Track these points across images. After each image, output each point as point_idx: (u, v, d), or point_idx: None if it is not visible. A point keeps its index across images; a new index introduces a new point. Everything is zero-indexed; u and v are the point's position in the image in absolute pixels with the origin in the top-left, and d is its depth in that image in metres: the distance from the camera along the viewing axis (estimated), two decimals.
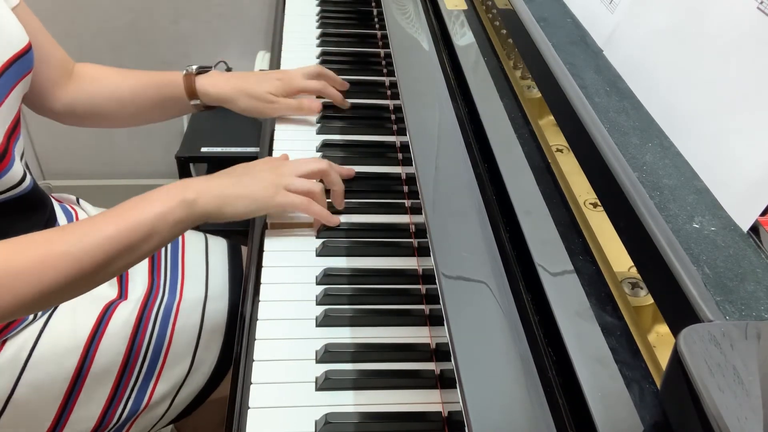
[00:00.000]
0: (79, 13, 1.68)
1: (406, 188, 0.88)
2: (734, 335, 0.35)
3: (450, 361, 0.48)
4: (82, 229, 0.64)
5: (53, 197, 0.92)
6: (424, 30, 0.90)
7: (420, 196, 0.62)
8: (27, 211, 0.79)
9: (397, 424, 0.61)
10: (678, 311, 0.41)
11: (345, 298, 0.72)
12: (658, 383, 0.43)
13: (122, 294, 0.88)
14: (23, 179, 0.75)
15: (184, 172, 1.56)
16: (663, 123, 0.56)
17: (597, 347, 0.45)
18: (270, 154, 0.93)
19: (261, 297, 0.72)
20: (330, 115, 1.00)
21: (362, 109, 1.03)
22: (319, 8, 1.33)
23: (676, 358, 0.34)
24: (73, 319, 0.81)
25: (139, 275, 0.91)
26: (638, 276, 0.50)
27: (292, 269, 0.76)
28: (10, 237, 0.63)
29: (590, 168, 0.55)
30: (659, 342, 0.46)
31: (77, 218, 0.93)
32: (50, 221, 0.84)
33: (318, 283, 0.74)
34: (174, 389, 0.85)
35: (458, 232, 0.58)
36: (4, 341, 0.77)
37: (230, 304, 0.92)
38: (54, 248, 0.61)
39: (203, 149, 1.54)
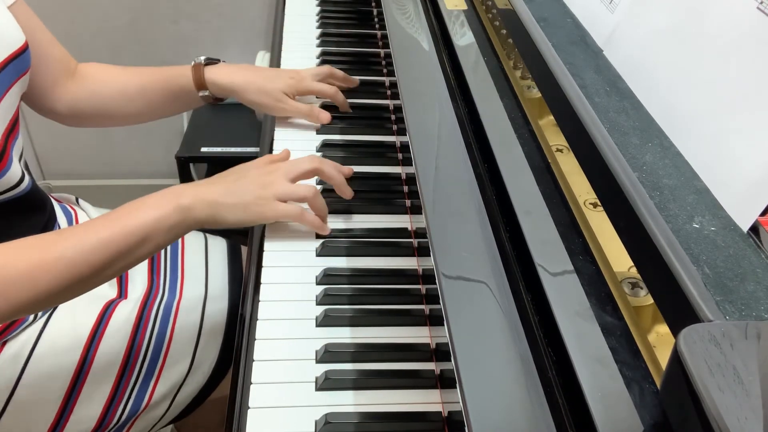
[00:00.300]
0: (79, 13, 1.68)
1: (406, 188, 0.88)
2: (734, 335, 0.35)
3: (450, 361, 0.48)
4: (77, 234, 0.64)
5: (53, 197, 0.92)
6: (424, 30, 0.90)
7: (420, 196, 0.62)
8: (26, 212, 0.79)
9: (397, 424, 0.61)
10: (678, 311, 0.41)
11: (345, 298, 0.72)
12: (658, 383, 0.43)
13: (122, 294, 0.88)
14: (21, 180, 0.75)
15: (184, 172, 1.56)
16: (663, 123, 0.56)
17: (597, 347, 0.45)
18: (270, 153, 0.93)
19: (261, 297, 0.72)
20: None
21: (362, 109, 1.03)
22: (319, 8, 1.33)
23: (676, 358, 0.34)
24: (73, 319, 0.81)
25: (138, 275, 0.91)
26: (638, 276, 0.50)
27: (292, 269, 0.76)
28: (9, 239, 0.63)
29: (590, 168, 0.55)
30: (659, 342, 0.46)
31: (77, 218, 0.93)
32: (50, 222, 0.84)
33: (318, 283, 0.74)
34: (174, 389, 0.85)
35: (458, 232, 0.58)
36: (5, 342, 0.77)
37: (230, 304, 0.92)
38: (49, 254, 0.61)
39: (203, 149, 1.54)
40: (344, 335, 0.69)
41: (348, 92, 1.06)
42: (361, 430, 0.60)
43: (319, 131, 0.98)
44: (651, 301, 0.49)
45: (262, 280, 0.74)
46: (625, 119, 0.56)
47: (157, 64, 0.96)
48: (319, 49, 1.18)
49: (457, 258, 0.55)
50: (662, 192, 0.49)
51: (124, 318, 0.84)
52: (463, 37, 0.84)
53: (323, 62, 1.14)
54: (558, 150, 0.65)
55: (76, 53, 0.94)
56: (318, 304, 0.72)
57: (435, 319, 0.70)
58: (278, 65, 1.13)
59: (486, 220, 0.59)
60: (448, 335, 0.49)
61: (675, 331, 0.41)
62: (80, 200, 0.98)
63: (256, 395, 0.62)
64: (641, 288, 0.50)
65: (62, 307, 0.82)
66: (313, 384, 0.64)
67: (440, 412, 0.62)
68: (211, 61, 0.94)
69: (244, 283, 0.77)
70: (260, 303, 0.71)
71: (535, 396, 0.46)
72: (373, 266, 0.76)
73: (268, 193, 0.74)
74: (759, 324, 0.37)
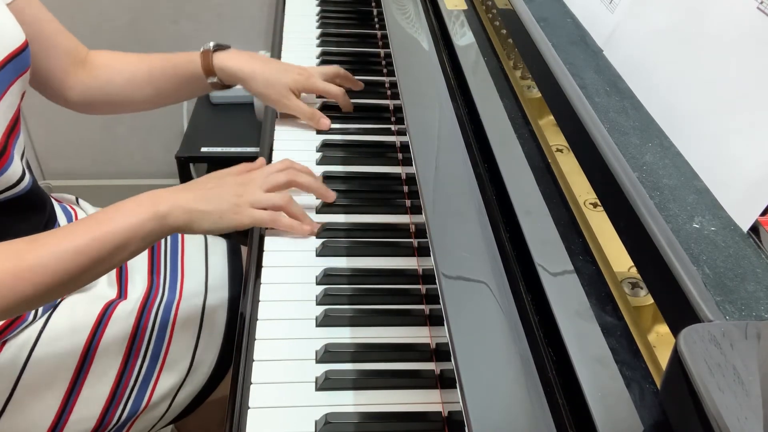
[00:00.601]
0: (78, 13, 1.68)
1: (406, 188, 0.88)
2: (734, 335, 0.35)
3: (450, 361, 0.48)
4: (54, 241, 0.64)
5: (53, 197, 0.92)
6: (424, 30, 0.90)
7: (420, 196, 0.62)
8: (26, 212, 0.79)
9: (397, 424, 0.61)
10: (678, 311, 0.41)
11: (345, 298, 0.72)
12: (658, 383, 0.43)
13: (122, 294, 0.88)
14: (22, 178, 0.75)
15: (184, 172, 1.56)
16: (663, 123, 0.56)
17: (597, 347, 0.45)
18: (270, 153, 0.93)
19: (261, 297, 0.72)
20: (330, 115, 1.00)
21: (362, 110, 1.03)
22: (319, 8, 1.33)
23: (676, 358, 0.34)
24: (73, 319, 0.81)
25: (138, 275, 0.91)
26: (638, 276, 0.50)
27: (292, 269, 0.76)
28: (9, 238, 0.63)
29: (590, 168, 0.55)
30: (659, 342, 0.46)
31: (77, 218, 0.93)
32: (50, 222, 0.84)
33: (318, 283, 0.74)
34: (174, 389, 0.85)
35: (458, 232, 0.58)
36: (4, 342, 0.77)
37: (230, 304, 0.92)
38: (25, 261, 0.61)
39: (203, 149, 1.54)
40: (344, 335, 0.69)
41: (348, 92, 1.06)
42: (361, 430, 0.60)
43: (319, 131, 0.98)
44: (651, 301, 0.49)
45: (262, 280, 0.74)
46: (625, 119, 0.56)
47: None
48: (319, 49, 1.18)
49: (457, 258, 0.55)
50: (662, 192, 0.49)
51: (123, 318, 0.84)
52: (463, 37, 0.84)
53: (323, 62, 1.14)
54: (558, 150, 0.65)
55: None
56: (318, 304, 0.72)
57: (435, 319, 0.70)
58: None
59: (486, 220, 0.59)
60: (448, 335, 0.49)
61: (675, 331, 0.41)
62: (80, 200, 0.98)
63: (256, 395, 0.62)
64: (641, 288, 0.50)
65: (62, 307, 0.82)
66: (313, 384, 0.64)
67: (440, 412, 0.62)
68: (220, 47, 0.94)
69: (244, 283, 0.77)
70: (260, 303, 0.71)
71: (535, 396, 0.46)
72: (373, 266, 0.76)
73: (243, 201, 0.75)
74: (759, 324, 0.37)
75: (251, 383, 0.63)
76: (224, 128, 1.60)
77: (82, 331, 0.81)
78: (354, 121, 1.01)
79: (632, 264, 0.49)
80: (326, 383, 0.63)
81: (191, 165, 1.57)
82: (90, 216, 0.68)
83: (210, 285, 0.93)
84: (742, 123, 0.48)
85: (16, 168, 0.74)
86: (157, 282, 0.91)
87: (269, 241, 0.79)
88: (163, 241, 0.97)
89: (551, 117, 0.67)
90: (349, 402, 0.63)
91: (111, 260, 0.67)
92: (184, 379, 0.86)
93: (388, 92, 1.08)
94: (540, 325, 0.50)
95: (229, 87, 0.97)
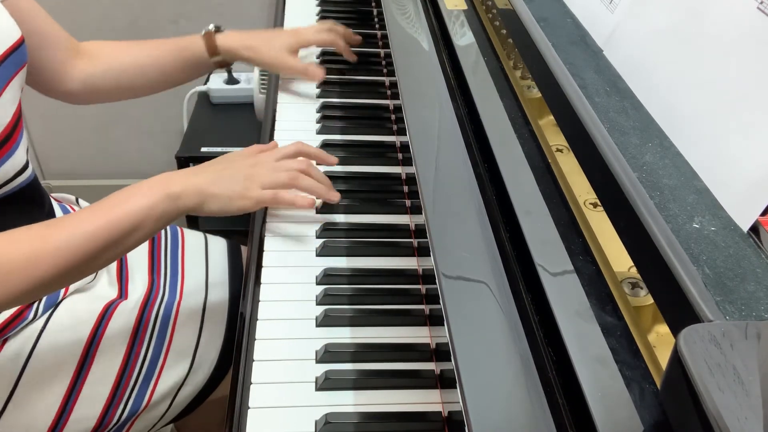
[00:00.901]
0: (78, 13, 1.68)
1: (406, 188, 0.88)
2: (734, 335, 0.35)
3: (450, 361, 0.48)
4: (71, 224, 0.65)
5: (53, 197, 0.92)
6: (424, 30, 0.90)
7: (420, 196, 0.62)
8: (28, 205, 0.79)
9: (397, 424, 0.61)
10: (678, 311, 0.41)
11: (345, 298, 0.72)
12: (658, 383, 0.43)
13: (122, 294, 0.88)
14: (25, 167, 0.76)
15: None
16: (663, 123, 0.56)
17: (597, 347, 0.45)
18: None
19: (261, 297, 0.72)
20: (330, 115, 1.01)
21: (362, 109, 1.03)
22: (319, 8, 1.33)
23: (676, 358, 0.34)
24: (74, 319, 0.81)
25: (139, 275, 0.91)
26: (638, 276, 0.50)
27: (292, 269, 0.76)
28: None
29: (590, 168, 0.55)
30: (659, 342, 0.46)
31: None
32: (49, 219, 0.84)
33: (318, 283, 0.74)
34: (174, 389, 0.85)
35: (458, 232, 0.58)
36: (5, 340, 0.77)
37: (230, 303, 0.92)
38: (44, 244, 0.63)
39: (203, 149, 1.54)
40: (344, 335, 0.69)
41: (348, 92, 1.06)
42: (361, 430, 0.60)
43: (319, 131, 0.98)
44: (651, 301, 0.49)
45: (262, 280, 0.74)
46: (625, 119, 0.56)
47: None
48: (319, 49, 1.18)
49: (457, 258, 0.55)
50: (662, 192, 0.49)
51: (124, 318, 0.84)
52: (463, 37, 0.84)
53: (323, 62, 1.14)
54: (558, 150, 0.65)
55: None
56: (318, 304, 0.72)
57: (435, 319, 0.70)
58: None
59: (486, 220, 0.59)
60: (448, 335, 0.49)
61: (675, 331, 0.41)
62: (80, 200, 0.98)
63: (256, 395, 0.62)
64: (641, 288, 0.50)
65: (63, 306, 0.82)
66: (313, 384, 0.64)
67: (440, 412, 0.62)
68: (218, 29, 1.00)
69: (244, 283, 0.77)
70: (260, 303, 0.71)
71: (535, 396, 0.46)
72: (373, 266, 0.76)
73: (252, 184, 0.76)
74: (759, 324, 0.37)
75: (251, 383, 0.63)
76: (224, 128, 1.60)
77: (83, 330, 0.81)
78: (354, 120, 1.01)
79: (632, 264, 0.49)
80: (326, 383, 0.63)
81: (191, 165, 1.57)
82: (104, 200, 0.69)
83: (210, 285, 0.93)
84: (742, 123, 0.48)
85: (20, 157, 0.74)
86: (158, 282, 0.91)
87: (269, 241, 0.79)
88: (163, 240, 0.97)
89: (551, 117, 0.67)
90: (349, 402, 0.63)
91: (127, 241, 0.68)
92: (185, 379, 0.86)
93: (388, 92, 1.08)
94: (540, 325, 0.50)
95: (229, 65, 1.03)
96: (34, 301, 0.79)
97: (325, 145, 0.94)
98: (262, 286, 0.73)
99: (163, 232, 0.99)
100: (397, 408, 0.62)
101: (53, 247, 0.63)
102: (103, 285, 0.87)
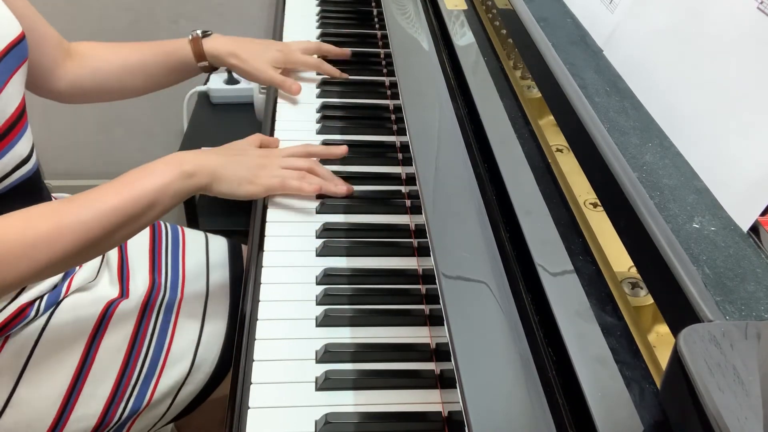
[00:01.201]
0: (78, 13, 1.68)
1: (406, 188, 0.88)
2: (734, 335, 0.35)
3: (450, 361, 0.48)
4: (89, 200, 0.67)
5: (53, 197, 0.92)
6: (424, 30, 0.90)
7: (420, 196, 0.62)
8: (33, 196, 0.79)
9: (397, 424, 0.61)
10: (678, 311, 0.41)
11: (345, 298, 0.72)
12: (658, 383, 0.43)
13: (123, 293, 0.88)
14: (30, 156, 0.77)
15: None
16: (663, 123, 0.56)
17: (597, 347, 0.45)
18: None
19: (261, 297, 0.72)
20: (330, 115, 1.01)
21: (362, 109, 1.03)
22: (319, 8, 1.33)
23: (676, 358, 0.34)
24: (75, 317, 0.81)
25: (140, 274, 0.91)
26: (638, 276, 0.50)
27: (292, 269, 0.76)
28: None
29: (590, 168, 0.55)
30: (659, 342, 0.46)
31: None
32: None
33: (318, 283, 0.74)
34: (175, 388, 0.86)
35: (458, 232, 0.58)
36: (7, 338, 0.77)
37: (231, 303, 0.92)
38: (65, 219, 0.65)
39: (203, 149, 1.54)
40: (344, 335, 0.69)
41: (348, 92, 1.06)
42: (361, 430, 0.60)
43: (319, 131, 0.98)
44: (651, 301, 0.49)
45: (262, 280, 0.74)
46: (625, 119, 0.56)
47: None
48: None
49: (457, 258, 0.55)
50: (662, 192, 0.49)
51: (125, 316, 0.84)
52: (463, 37, 0.84)
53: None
54: (558, 150, 0.65)
55: None
56: (318, 304, 0.72)
57: (435, 319, 0.70)
58: None
59: (486, 220, 0.59)
60: (448, 335, 0.49)
61: (675, 331, 0.41)
62: None
63: (256, 395, 0.62)
64: (641, 288, 0.50)
65: (65, 305, 0.82)
66: (313, 384, 0.64)
67: (440, 412, 0.62)
68: (205, 34, 1.01)
69: (244, 283, 0.77)
70: (260, 303, 0.71)
71: (535, 396, 0.46)
72: (373, 266, 0.76)
73: (262, 172, 0.80)
74: (759, 324, 0.37)
75: (251, 383, 0.63)
76: (224, 128, 1.60)
77: (84, 328, 0.81)
78: (354, 120, 1.01)
79: (632, 264, 0.49)
80: (326, 383, 0.63)
81: None
82: (119, 177, 0.71)
83: (211, 284, 0.93)
84: (742, 123, 0.48)
85: (20, 149, 0.75)
86: (159, 281, 0.91)
87: (269, 241, 0.79)
88: (164, 240, 0.98)
89: (551, 117, 0.67)
90: (349, 402, 0.63)
91: (144, 218, 0.70)
92: (186, 378, 0.86)
93: (388, 92, 1.08)
94: (540, 325, 0.50)
95: (215, 69, 1.04)
96: (36, 300, 0.79)
97: (325, 145, 0.94)
98: (262, 286, 0.73)
99: (164, 231, 0.99)
100: (397, 408, 0.62)
101: (70, 221, 0.64)
102: (104, 284, 0.87)
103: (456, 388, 0.46)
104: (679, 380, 0.34)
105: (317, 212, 0.83)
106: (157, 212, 0.71)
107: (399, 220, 0.83)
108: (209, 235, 1.03)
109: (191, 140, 1.57)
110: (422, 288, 0.74)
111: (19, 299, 0.77)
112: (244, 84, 1.62)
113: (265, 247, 0.78)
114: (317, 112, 1.01)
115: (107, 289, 0.87)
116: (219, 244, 1.01)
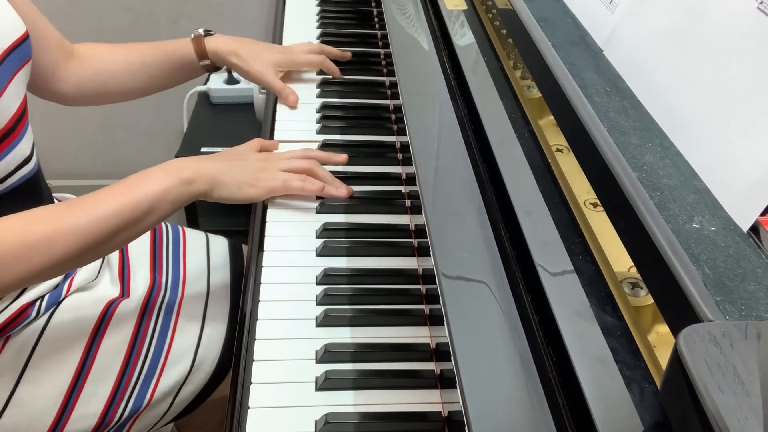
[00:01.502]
0: (78, 13, 1.68)
1: (406, 188, 0.88)
2: (734, 335, 0.35)
3: (450, 361, 0.48)
4: (90, 204, 0.67)
5: (54, 197, 0.92)
6: (424, 30, 0.90)
7: (420, 196, 0.62)
8: (34, 196, 0.79)
9: (397, 424, 0.61)
10: (678, 311, 0.41)
11: (345, 298, 0.72)
12: (658, 383, 0.43)
13: (124, 293, 0.88)
14: (28, 160, 0.76)
15: None
16: (663, 123, 0.56)
17: (597, 347, 0.45)
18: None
19: (261, 297, 0.72)
20: (330, 116, 1.01)
21: (362, 109, 1.03)
22: (319, 8, 1.33)
23: (676, 358, 0.34)
24: (76, 317, 0.81)
25: (140, 274, 0.91)
26: (638, 276, 0.50)
27: (292, 269, 0.76)
28: None
29: (590, 168, 0.55)
30: (659, 342, 0.46)
31: None
32: None
33: (318, 283, 0.74)
34: (175, 388, 0.86)
35: (458, 232, 0.58)
36: (7, 338, 0.77)
37: (231, 303, 0.92)
38: (64, 222, 0.65)
39: (203, 149, 1.54)
40: (344, 335, 0.69)
41: (348, 92, 1.06)
42: (361, 430, 0.60)
43: (319, 131, 0.98)
44: (651, 301, 0.49)
45: (262, 280, 0.74)
46: (625, 119, 0.56)
47: None
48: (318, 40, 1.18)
49: (457, 258, 0.55)
50: (662, 192, 0.49)
51: (126, 316, 0.84)
52: (463, 37, 0.84)
53: None
54: (558, 150, 0.65)
55: None
56: (318, 304, 0.72)
57: (435, 319, 0.70)
58: None
59: (486, 220, 0.59)
60: (448, 335, 0.49)
61: (675, 331, 0.41)
62: None
63: (256, 395, 0.62)
64: (641, 288, 0.50)
65: (65, 305, 0.82)
66: (313, 384, 0.64)
67: (440, 412, 0.62)
68: (208, 33, 1.01)
69: (244, 283, 0.77)
70: (260, 303, 0.71)
71: (535, 396, 0.46)
72: (373, 266, 0.76)
73: (263, 176, 0.80)
74: (759, 324, 0.37)
75: (251, 383, 0.63)
76: (224, 128, 1.60)
77: (84, 328, 0.81)
78: (354, 120, 1.01)
79: (632, 264, 0.49)
80: (326, 383, 0.63)
81: None
82: (119, 182, 0.71)
83: (212, 284, 0.93)
84: (742, 123, 0.48)
85: (22, 149, 0.75)
86: (160, 281, 0.91)
87: (269, 241, 0.79)
88: (165, 239, 0.98)
89: (551, 117, 0.67)
90: (349, 402, 0.63)
91: (142, 223, 0.70)
92: (186, 378, 0.86)
93: (388, 92, 1.08)
94: (540, 325, 0.50)
95: (217, 69, 1.04)
96: (37, 300, 0.79)
97: (325, 146, 0.94)
98: (262, 285, 0.73)
99: (164, 231, 0.99)
100: (397, 408, 0.62)
101: (69, 225, 0.65)
102: (105, 284, 0.87)
103: (456, 388, 0.46)
104: (679, 380, 0.34)
105: (317, 212, 0.83)
106: (155, 218, 0.71)
107: (399, 220, 0.83)
108: (210, 235, 1.03)
109: (191, 140, 1.57)
110: (422, 288, 0.74)
111: (20, 299, 0.77)
112: (244, 84, 1.62)
113: (265, 247, 0.78)
114: (317, 112, 1.02)
115: (108, 288, 0.87)
116: (219, 245, 1.01)
